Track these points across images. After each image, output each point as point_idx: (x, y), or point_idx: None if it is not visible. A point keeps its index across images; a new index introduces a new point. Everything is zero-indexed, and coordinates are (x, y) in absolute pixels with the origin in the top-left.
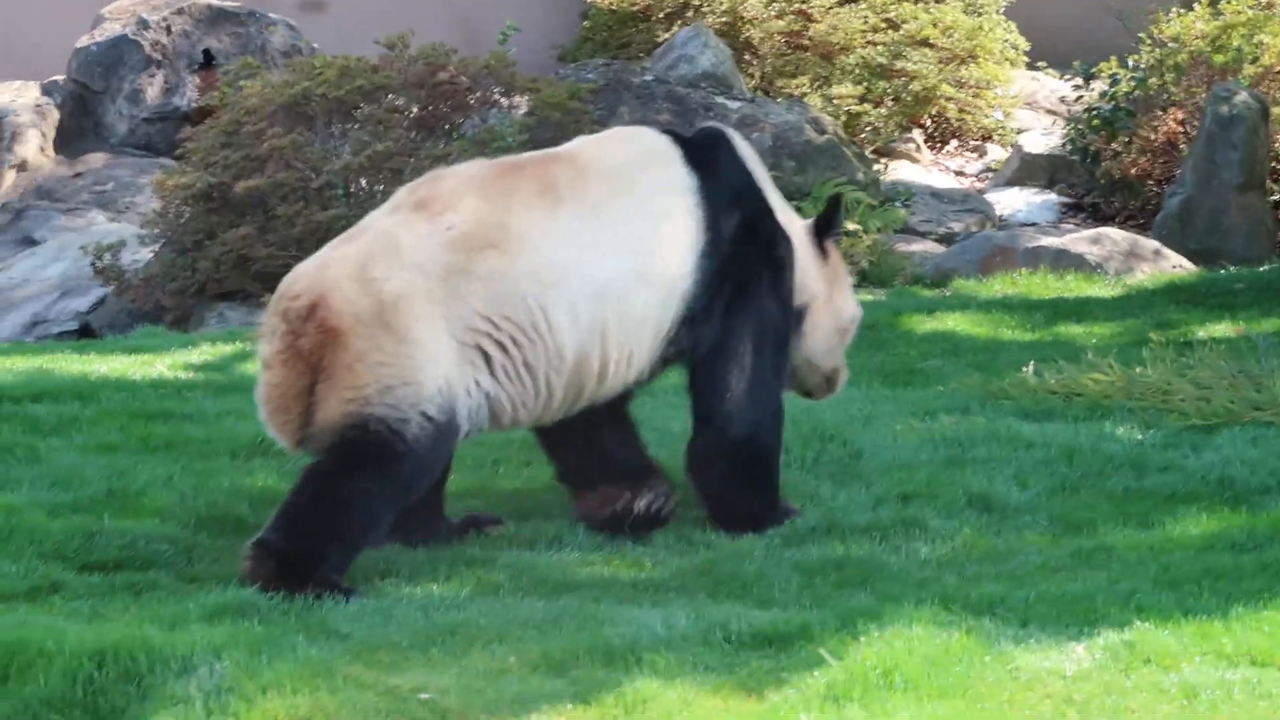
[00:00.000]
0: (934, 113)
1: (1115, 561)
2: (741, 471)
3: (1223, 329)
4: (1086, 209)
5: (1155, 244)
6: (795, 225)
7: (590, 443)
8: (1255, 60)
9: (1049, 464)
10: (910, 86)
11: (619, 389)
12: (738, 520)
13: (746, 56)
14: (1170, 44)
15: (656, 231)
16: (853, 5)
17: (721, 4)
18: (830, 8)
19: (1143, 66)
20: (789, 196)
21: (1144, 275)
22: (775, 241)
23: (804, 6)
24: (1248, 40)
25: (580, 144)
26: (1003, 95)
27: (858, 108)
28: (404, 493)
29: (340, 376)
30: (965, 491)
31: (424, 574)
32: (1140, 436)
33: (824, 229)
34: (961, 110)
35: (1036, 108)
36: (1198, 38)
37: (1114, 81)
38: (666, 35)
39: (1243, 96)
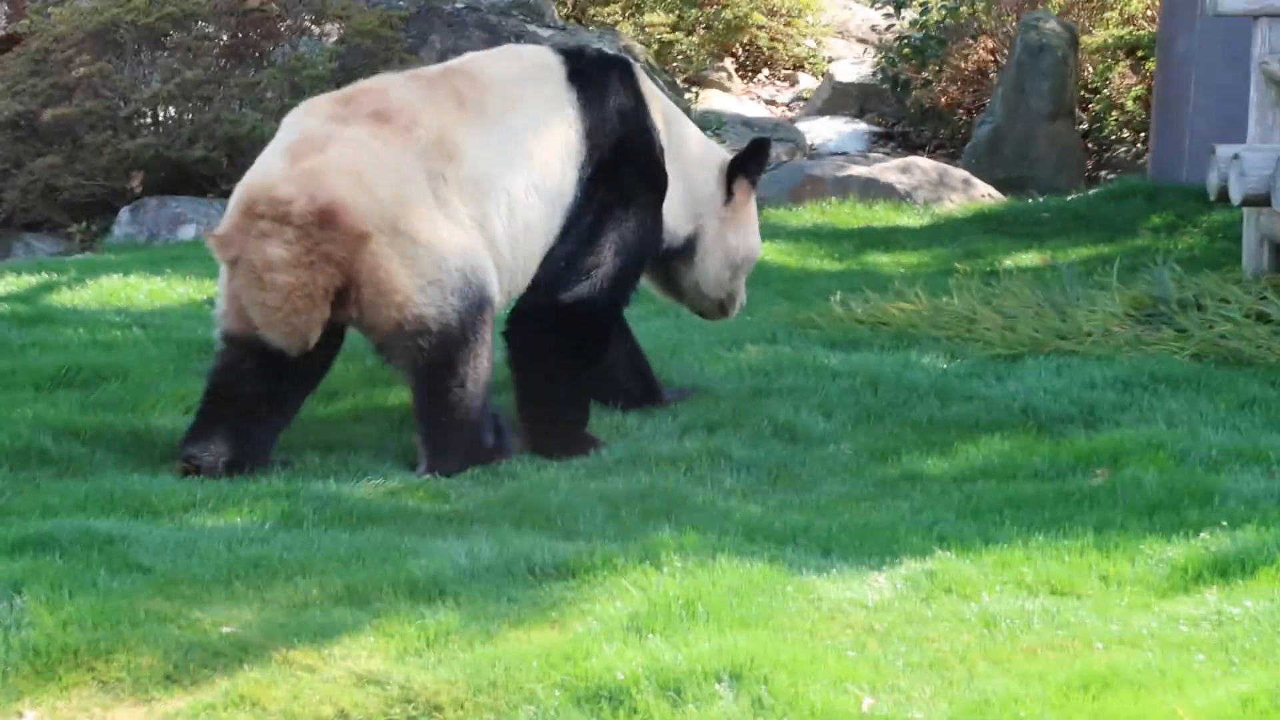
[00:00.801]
0: (745, 41)
1: (918, 491)
2: (558, 332)
3: (1029, 258)
4: (897, 138)
5: (964, 173)
6: (692, 156)
7: None
8: None
9: (854, 393)
10: (722, 14)
11: (514, 299)
12: (546, 402)
13: None
14: None
15: (544, 145)
16: None
17: None
18: None
19: None
20: None
21: (953, 204)
22: (648, 165)
23: None
24: None
25: (472, 58)
26: (814, 24)
27: (669, 36)
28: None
29: (377, 280)
30: (770, 421)
31: (227, 506)
32: (945, 366)
33: (736, 169)
34: (773, 39)
35: (848, 36)
36: None
37: (924, 10)
38: None
39: (1052, 25)
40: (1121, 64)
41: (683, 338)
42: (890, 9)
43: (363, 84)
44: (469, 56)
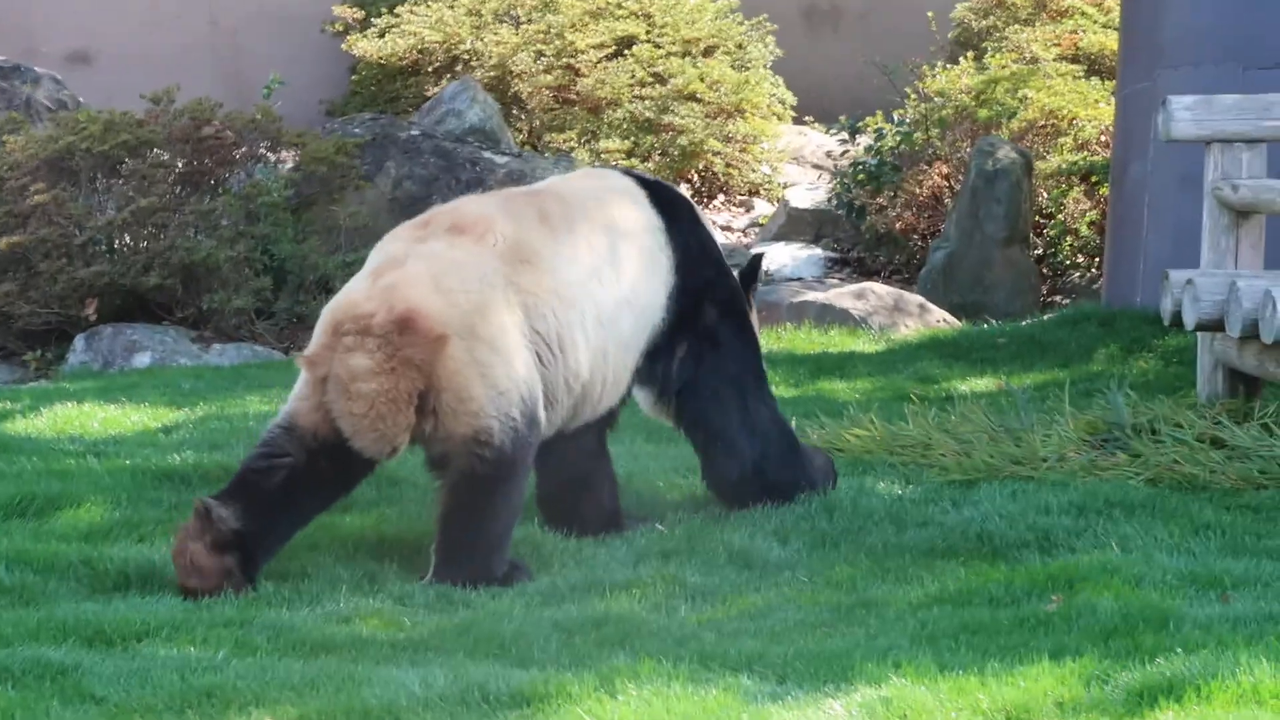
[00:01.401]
0: (701, 167)
1: (874, 617)
2: (768, 491)
3: (984, 383)
4: (852, 264)
5: (920, 298)
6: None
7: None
8: (1016, 115)
9: (809, 519)
10: (677, 141)
11: (603, 414)
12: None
13: (515, 111)
14: (936, 98)
15: (636, 262)
16: (620, 60)
17: (490, 58)
18: (598, 62)
19: (908, 121)
20: None
21: (908, 330)
22: (737, 292)
23: (572, 61)
24: (1011, 94)
25: (554, 180)
26: (770, 150)
27: (625, 162)
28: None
29: (456, 386)
30: (725, 548)
31: (180, 635)
32: (900, 492)
33: (747, 284)
34: (728, 165)
35: (803, 162)
36: (963, 92)
37: (879, 136)
38: (436, 89)
39: (1006, 151)
40: (1076, 189)
41: (636, 465)
42: (845, 135)
43: (441, 206)
44: (551, 179)
